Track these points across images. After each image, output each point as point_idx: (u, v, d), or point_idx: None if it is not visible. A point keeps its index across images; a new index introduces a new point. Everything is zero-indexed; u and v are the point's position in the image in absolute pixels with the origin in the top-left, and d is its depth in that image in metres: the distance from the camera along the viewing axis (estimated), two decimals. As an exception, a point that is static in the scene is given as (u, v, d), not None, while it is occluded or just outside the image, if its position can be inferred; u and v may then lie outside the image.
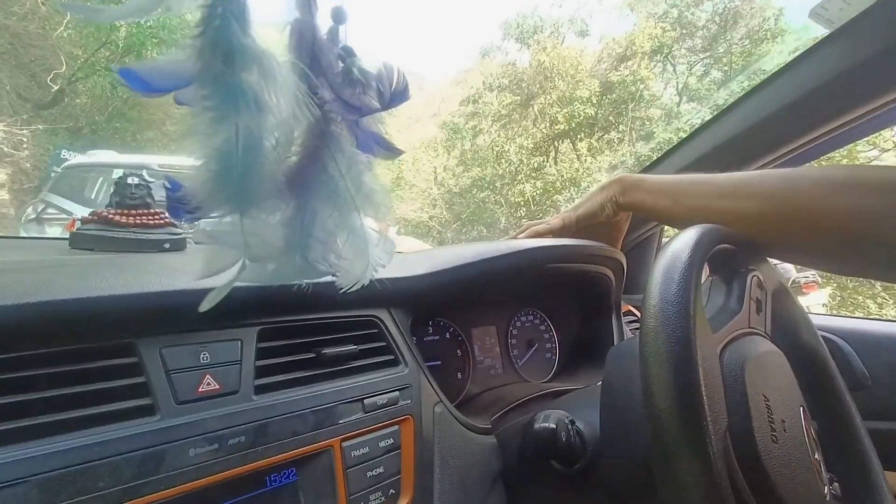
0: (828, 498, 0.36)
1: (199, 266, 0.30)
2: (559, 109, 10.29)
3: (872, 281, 4.15)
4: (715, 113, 0.80)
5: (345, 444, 0.38)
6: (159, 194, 0.57)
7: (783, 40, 8.53)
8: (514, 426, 0.51)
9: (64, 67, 7.37)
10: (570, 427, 0.43)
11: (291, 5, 0.29)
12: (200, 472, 0.30)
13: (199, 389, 0.32)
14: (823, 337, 0.48)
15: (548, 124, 10.60)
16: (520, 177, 10.27)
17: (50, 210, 3.41)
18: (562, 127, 10.31)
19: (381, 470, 0.40)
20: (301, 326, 0.40)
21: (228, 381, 0.34)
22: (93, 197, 3.55)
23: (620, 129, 10.05)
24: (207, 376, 0.33)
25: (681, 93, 10.27)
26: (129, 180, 0.56)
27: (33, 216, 3.44)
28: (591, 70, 10.68)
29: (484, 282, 0.57)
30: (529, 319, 0.77)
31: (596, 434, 0.43)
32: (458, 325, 0.67)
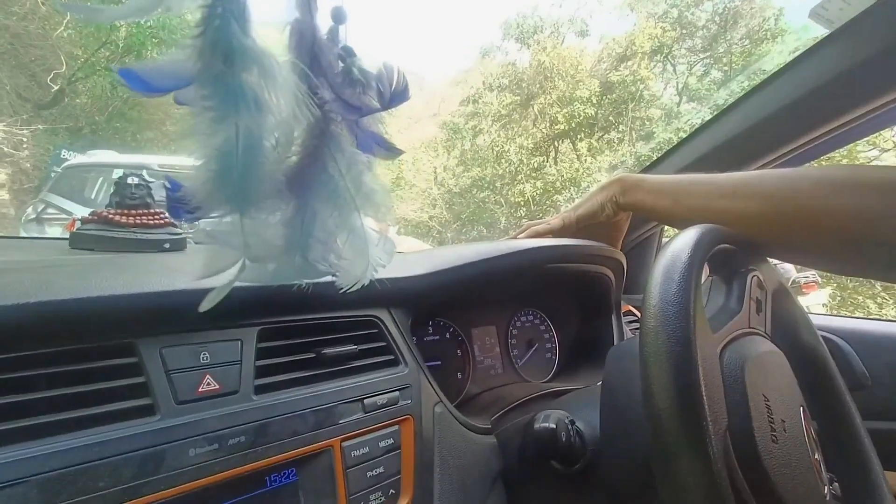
0: (828, 498, 0.36)
1: (199, 266, 0.30)
2: (559, 109, 10.29)
3: (872, 281, 4.15)
4: (715, 113, 0.80)
5: (345, 444, 0.38)
6: (159, 194, 0.57)
7: (783, 40, 8.54)
8: (514, 426, 0.51)
9: (64, 67, 7.38)
10: (570, 427, 0.43)
11: (291, 5, 0.29)
12: (200, 472, 0.30)
13: (199, 389, 0.32)
14: (823, 337, 0.48)
15: (548, 124, 10.60)
16: (520, 177, 10.28)
17: (50, 210, 3.42)
18: (562, 127, 10.31)
19: (381, 470, 0.40)
20: (301, 326, 0.40)
21: (228, 381, 0.34)
22: (93, 197, 3.55)
23: (620, 129, 10.06)
24: (207, 376, 0.33)
25: (681, 93, 10.27)
26: (129, 180, 0.56)
27: (33, 216, 3.44)
28: (591, 70, 10.68)
29: (484, 282, 0.57)
30: (529, 319, 0.77)
31: (596, 434, 0.43)
32: (458, 325, 0.67)
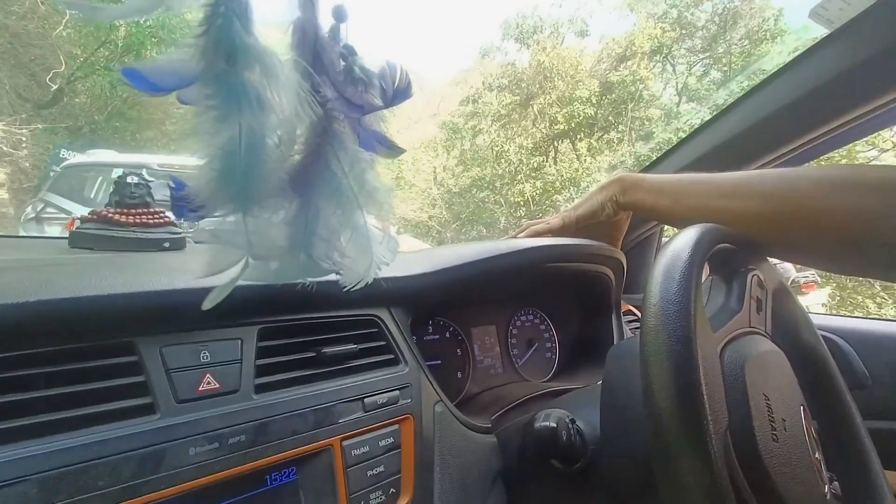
0: (828, 497, 0.36)
1: (202, 265, 0.30)
2: (559, 109, 10.28)
3: (871, 281, 4.15)
4: (714, 113, 0.80)
5: (345, 443, 0.38)
6: (159, 193, 0.57)
7: (783, 40, 8.54)
8: (515, 425, 0.51)
9: (63, 67, 7.37)
10: (570, 426, 0.43)
11: (294, 4, 0.29)
12: (200, 471, 0.30)
13: (199, 388, 0.32)
14: (823, 336, 0.48)
15: (547, 124, 10.60)
16: (519, 177, 10.27)
17: (49, 209, 3.41)
18: (561, 127, 10.30)
19: (381, 469, 0.40)
20: (301, 325, 0.40)
21: (228, 379, 0.34)
22: (92, 196, 3.55)
23: (620, 129, 10.05)
24: (207, 375, 0.33)
25: (680, 93, 10.27)
26: (129, 179, 0.56)
27: (32, 215, 3.44)
28: (590, 70, 10.68)
29: (484, 281, 0.57)
30: (529, 319, 0.77)
31: (596, 433, 0.43)
32: (458, 325, 0.67)
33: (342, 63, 0.31)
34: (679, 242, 0.34)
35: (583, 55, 10.92)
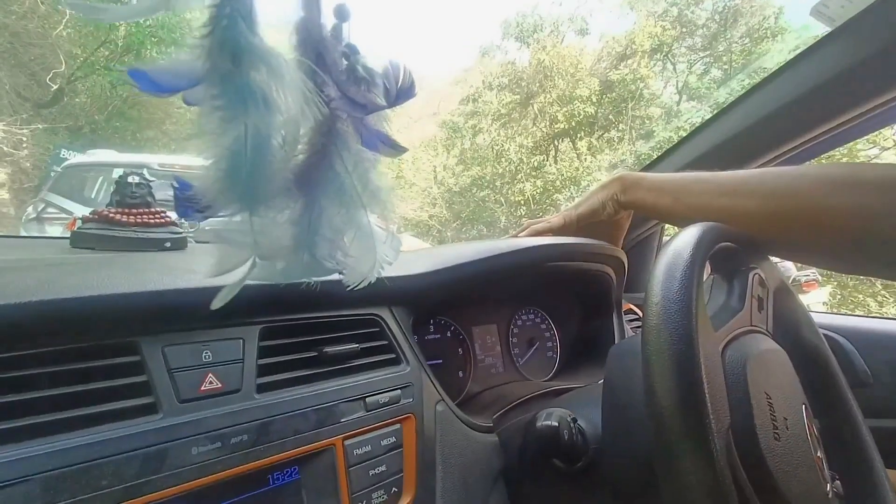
0: (830, 495, 0.36)
1: (210, 265, 0.30)
2: (559, 108, 10.27)
3: (873, 279, 4.15)
4: (715, 111, 0.80)
5: (347, 442, 0.38)
6: (160, 193, 0.57)
7: (783, 39, 8.53)
8: (516, 424, 0.51)
9: (63, 66, 7.36)
10: (572, 425, 0.43)
11: (297, 4, 0.29)
12: (203, 470, 0.30)
13: (202, 388, 0.32)
14: (825, 335, 0.48)
15: (548, 123, 10.59)
16: (520, 176, 10.26)
17: (50, 209, 3.41)
18: (562, 126, 10.29)
19: (383, 468, 0.40)
20: (303, 325, 0.40)
21: (230, 379, 0.34)
22: (93, 196, 3.55)
23: (620, 128, 10.04)
24: (210, 375, 0.33)
25: (681, 91, 10.26)
26: (130, 179, 0.56)
27: (33, 216, 3.44)
28: (590, 69, 10.66)
29: (485, 280, 0.57)
30: (530, 318, 0.77)
31: (598, 432, 0.43)
32: (460, 324, 0.67)
33: (345, 62, 0.31)
34: (680, 241, 0.34)
35: (583, 54, 10.90)
